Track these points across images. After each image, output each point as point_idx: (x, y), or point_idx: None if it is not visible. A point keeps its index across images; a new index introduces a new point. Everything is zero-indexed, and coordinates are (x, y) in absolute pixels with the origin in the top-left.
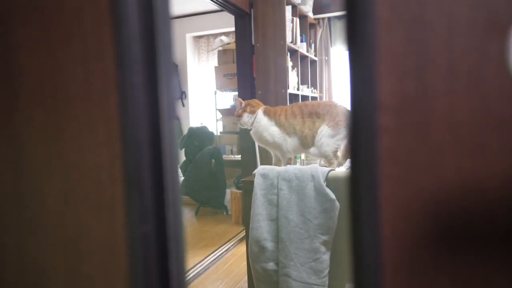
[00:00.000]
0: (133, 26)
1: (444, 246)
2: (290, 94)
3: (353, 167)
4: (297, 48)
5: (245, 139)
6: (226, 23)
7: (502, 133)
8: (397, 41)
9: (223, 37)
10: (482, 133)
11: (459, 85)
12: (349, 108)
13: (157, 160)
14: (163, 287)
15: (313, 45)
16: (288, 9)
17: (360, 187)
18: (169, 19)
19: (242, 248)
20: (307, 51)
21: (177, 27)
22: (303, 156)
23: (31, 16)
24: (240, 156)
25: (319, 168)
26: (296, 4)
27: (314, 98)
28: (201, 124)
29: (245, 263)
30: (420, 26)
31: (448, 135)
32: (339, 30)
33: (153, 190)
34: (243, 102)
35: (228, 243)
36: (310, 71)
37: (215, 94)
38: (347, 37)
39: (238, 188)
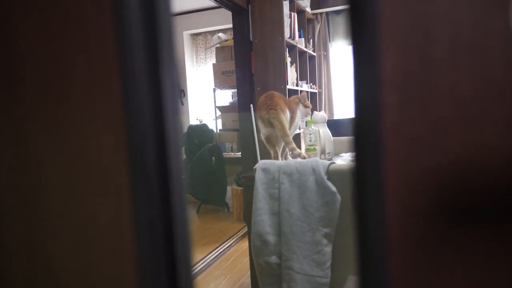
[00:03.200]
0: (134, 12)
1: (449, 219)
2: (289, 90)
3: (357, 143)
4: (295, 44)
5: (245, 136)
6: (224, 20)
7: (506, 106)
8: (400, 16)
9: (221, 34)
10: (486, 106)
11: (463, 58)
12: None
13: (162, 145)
14: (170, 272)
15: (311, 40)
16: (286, 4)
17: (364, 163)
18: (170, 5)
19: (244, 244)
20: (306, 46)
21: (175, 30)
22: (303, 151)
23: (30, 4)
24: (240, 153)
25: (319, 162)
26: None
27: (313, 94)
28: (201, 122)
29: (247, 258)
30: (422, 0)
31: (452, 109)
32: (337, 25)
33: (158, 176)
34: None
35: (230, 239)
36: (309, 66)
37: (214, 91)
38: (349, 14)
39: (239, 185)
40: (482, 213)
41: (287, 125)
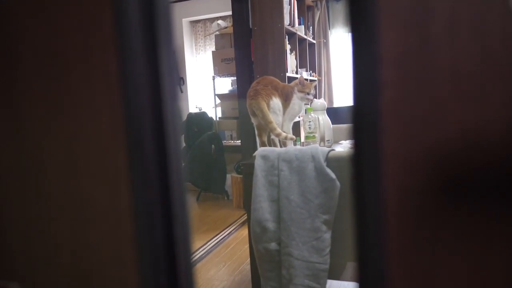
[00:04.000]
0: None
1: (447, 198)
2: (289, 78)
3: (355, 121)
4: (295, 31)
5: (244, 124)
6: (223, 7)
7: (505, 84)
8: None
9: (220, 21)
10: (485, 84)
11: (462, 36)
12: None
13: (160, 126)
14: (169, 253)
15: (311, 27)
16: None
17: (362, 141)
18: None
19: (244, 231)
20: (305, 34)
21: (173, 12)
22: (302, 138)
23: None
24: (239, 141)
25: (319, 149)
26: None
27: (312, 82)
28: (200, 110)
29: (247, 246)
30: None
31: (450, 87)
32: (337, 12)
33: (156, 157)
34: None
35: (230, 227)
36: (309, 54)
37: (213, 79)
38: None
39: (238, 173)
40: (479, 191)
41: (268, 111)
